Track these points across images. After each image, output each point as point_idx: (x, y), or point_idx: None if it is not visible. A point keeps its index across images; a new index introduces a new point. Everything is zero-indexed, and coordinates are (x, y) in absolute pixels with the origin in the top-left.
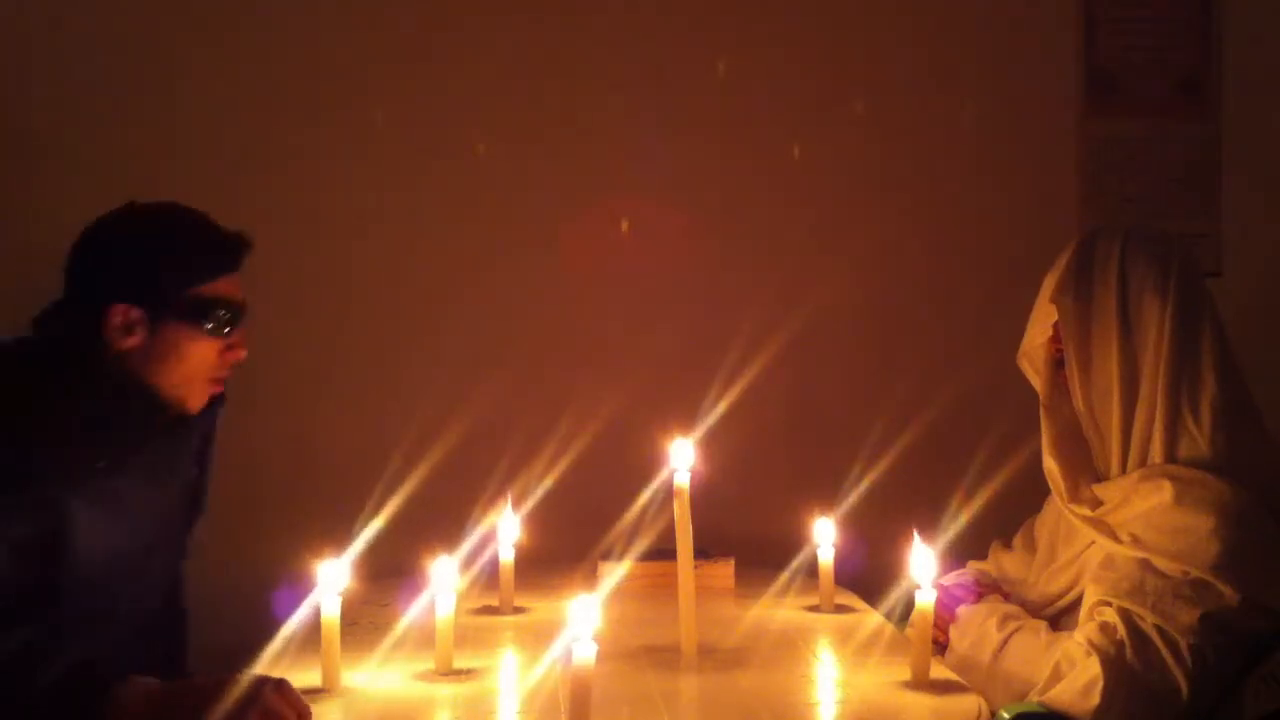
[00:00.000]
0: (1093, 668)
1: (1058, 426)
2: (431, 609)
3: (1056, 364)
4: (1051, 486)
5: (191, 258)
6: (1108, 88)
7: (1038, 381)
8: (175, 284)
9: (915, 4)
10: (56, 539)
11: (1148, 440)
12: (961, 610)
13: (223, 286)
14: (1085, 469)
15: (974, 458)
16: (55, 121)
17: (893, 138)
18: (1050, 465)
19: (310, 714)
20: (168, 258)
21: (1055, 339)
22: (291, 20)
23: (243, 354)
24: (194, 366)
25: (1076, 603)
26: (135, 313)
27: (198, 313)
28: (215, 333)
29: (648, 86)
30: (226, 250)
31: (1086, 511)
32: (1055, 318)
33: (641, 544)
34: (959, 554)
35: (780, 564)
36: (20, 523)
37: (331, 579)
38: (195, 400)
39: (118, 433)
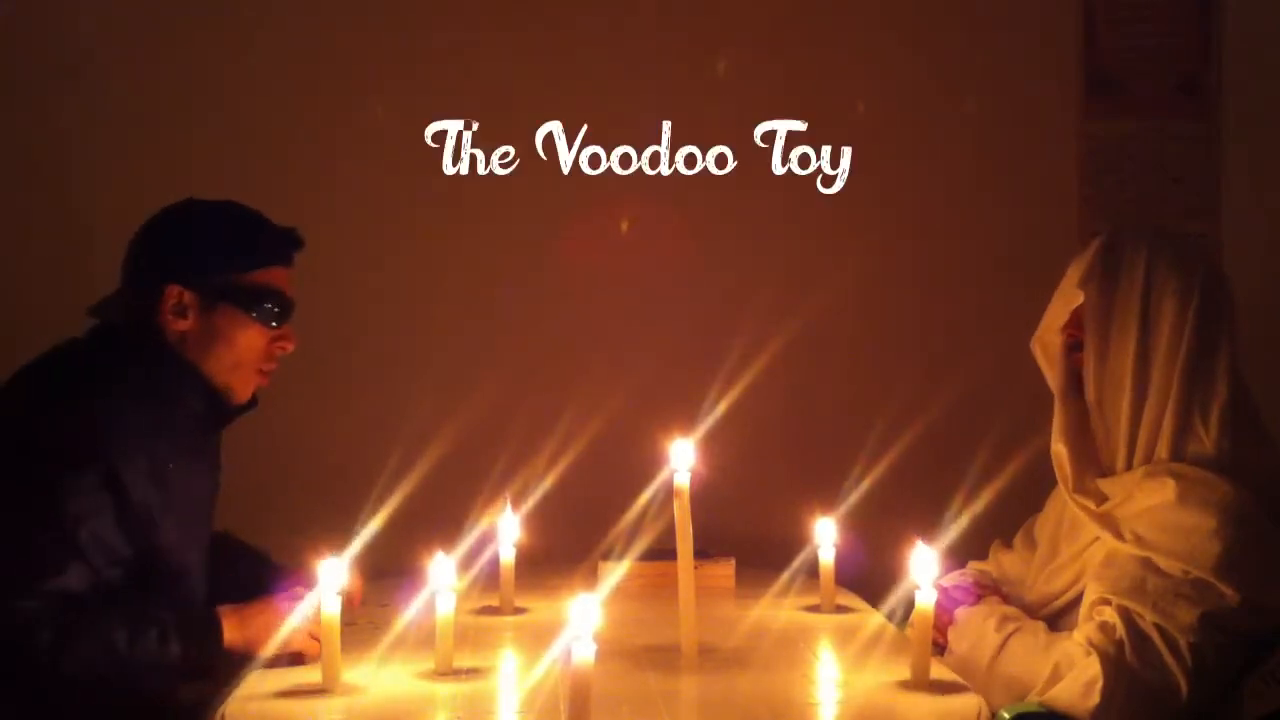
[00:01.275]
0: (1092, 667)
1: (1070, 414)
2: (431, 609)
3: (1070, 349)
4: (1057, 473)
5: (244, 246)
6: (1108, 88)
7: (1047, 367)
8: (227, 269)
9: (915, 4)
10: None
11: (1155, 437)
12: (960, 612)
13: (273, 277)
14: (1092, 460)
15: (974, 458)
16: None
17: (893, 138)
18: (1059, 450)
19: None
20: (222, 244)
21: (1071, 325)
22: (291, 20)
23: (290, 347)
24: (242, 353)
25: (1076, 601)
26: (188, 295)
27: (247, 300)
28: (263, 321)
29: (648, 86)
30: (279, 243)
31: (1090, 504)
32: (1076, 303)
33: (641, 544)
34: (959, 554)
35: (780, 564)
36: (109, 496)
37: (331, 578)
38: (243, 389)
39: (180, 419)
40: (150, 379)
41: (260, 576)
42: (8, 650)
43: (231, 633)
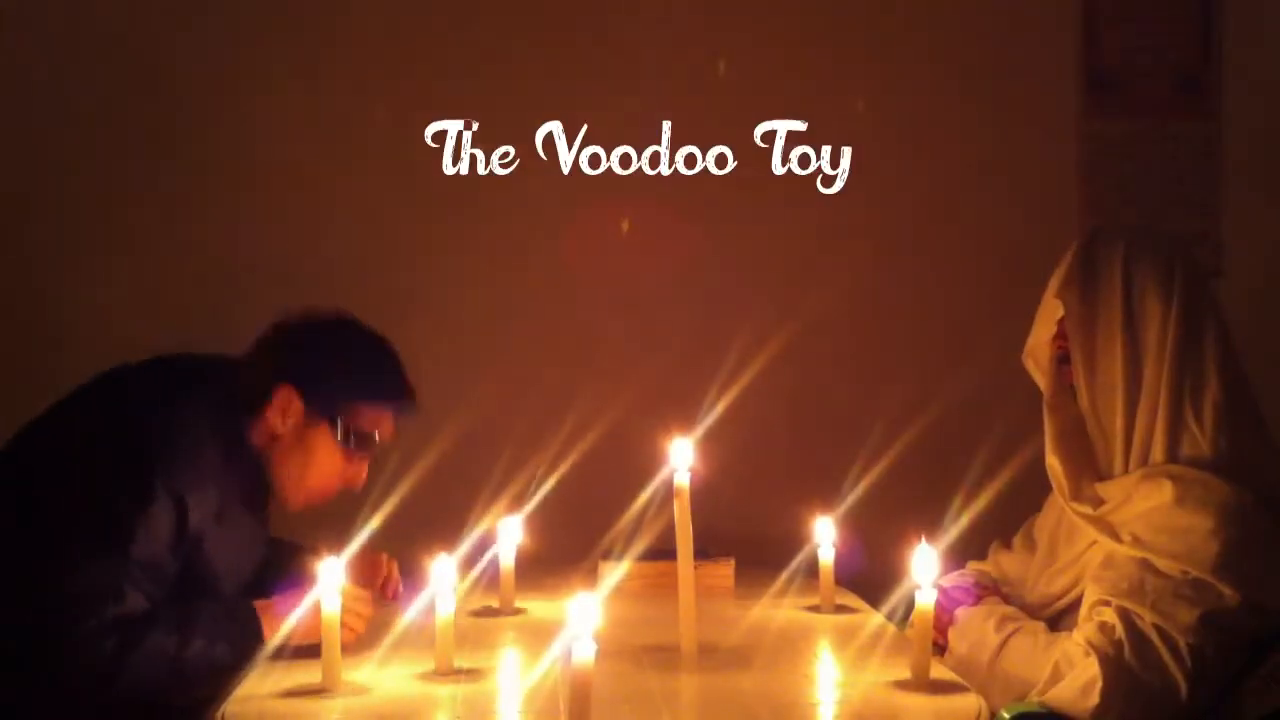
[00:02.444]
0: (1091, 667)
1: (1061, 424)
2: (431, 609)
3: (1060, 361)
4: (1054, 484)
5: (370, 382)
6: (1108, 88)
7: (1042, 380)
8: (345, 395)
9: (916, 4)
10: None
11: (1149, 439)
12: (960, 613)
13: (379, 419)
14: (1088, 467)
15: (974, 458)
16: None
17: (893, 138)
18: (1053, 463)
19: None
20: (352, 372)
21: (1059, 336)
22: (291, 20)
23: (358, 484)
24: (314, 474)
25: (1076, 603)
26: (298, 403)
27: (346, 428)
28: (347, 447)
29: (648, 86)
30: (401, 394)
31: (1088, 510)
32: (1060, 314)
33: (641, 544)
34: (959, 554)
35: (780, 564)
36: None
37: (331, 577)
38: (296, 503)
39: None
40: (228, 429)
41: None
42: (68, 671)
43: (270, 627)
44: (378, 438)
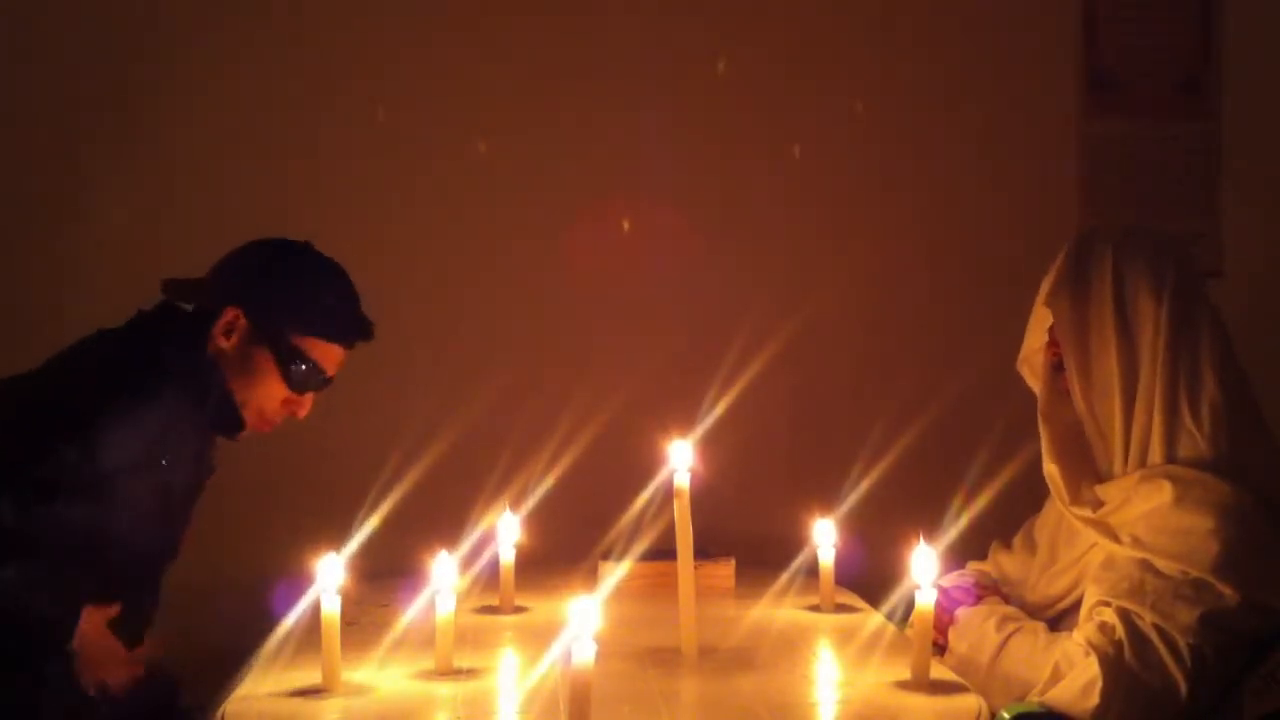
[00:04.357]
0: (1091, 668)
1: (1056, 430)
2: (431, 609)
3: (1055, 368)
4: (1052, 490)
5: (318, 311)
6: (1108, 88)
7: (1038, 387)
8: (289, 322)
9: (915, 5)
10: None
11: (1147, 440)
12: (960, 612)
13: (323, 351)
14: (1086, 471)
15: (974, 458)
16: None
17: (893, 138)
18: (1051, 469)
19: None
20: (300, 299)
21: (1052, 343)
22: (292, 20)
23: (301, 414)
24: (258, 396)
25: (1077, 605)
26: (243, 322)
27: (287, 357)
28: (288, 380)
29: (648, 87)
30: (349, 325)
31: (1088, 513)
32: (1051, 322)
33: (641, 544)
34: (959, 554)
35: (780, 564)
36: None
37: (330, 577)
38: (248, 424)
39: (196, 421)
40: (186, 373)
41: None
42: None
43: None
44: (322, 370)
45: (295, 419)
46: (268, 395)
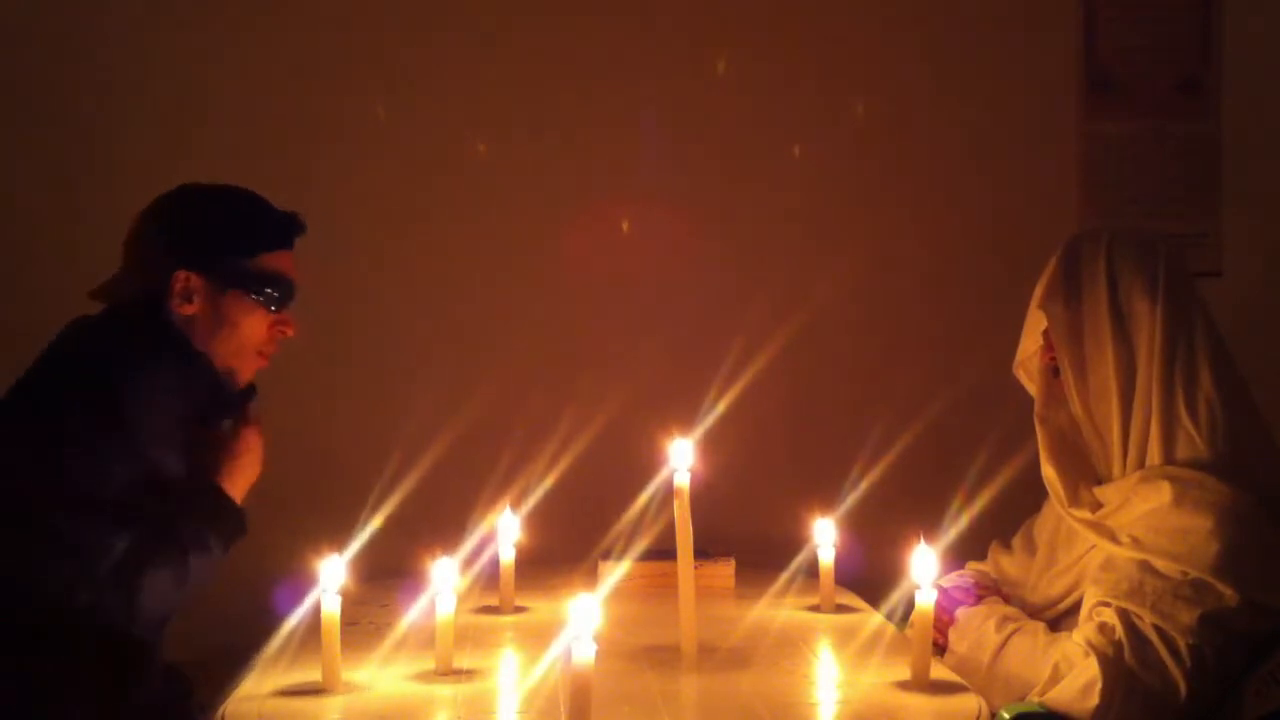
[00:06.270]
0: (1091, 668)
1: (1053, 433)
2: (431, 609)
3: (1051, 372)
4: (1051, 493)
5: (250, 231)
6: (1108, 88)
7: (1034, 390)
8: (233, 254)
9: (915, 4)
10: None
11: (1145, 441)
12: (960, 612)
13: (276, 261)
14: (1084, 473)
15: (974, 458)
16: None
17: (892, 138)
18: (1049, 473)
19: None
20: (227, 230)
21: (1048, 347)
22: (292, 20)
23: (291, 331)
24: (245, 337)
25: (1077, 606)
26: (196, 280)
27: (252, 284)
28: (267, 305)
29: (648, 87)
30: (281, 227)
31: (1087, 515)
32: (1045, 325)
33: (641, 544)
34: (959, 554)
35: (780, 564)
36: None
37: (331, 577)
38: (244, 372)
39: (182, 402)
40: (159, 369)
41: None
42: (85, 642)
43: (233, 488)
44: (286, 278)
45: (287, 339)
46: (253, 332)
